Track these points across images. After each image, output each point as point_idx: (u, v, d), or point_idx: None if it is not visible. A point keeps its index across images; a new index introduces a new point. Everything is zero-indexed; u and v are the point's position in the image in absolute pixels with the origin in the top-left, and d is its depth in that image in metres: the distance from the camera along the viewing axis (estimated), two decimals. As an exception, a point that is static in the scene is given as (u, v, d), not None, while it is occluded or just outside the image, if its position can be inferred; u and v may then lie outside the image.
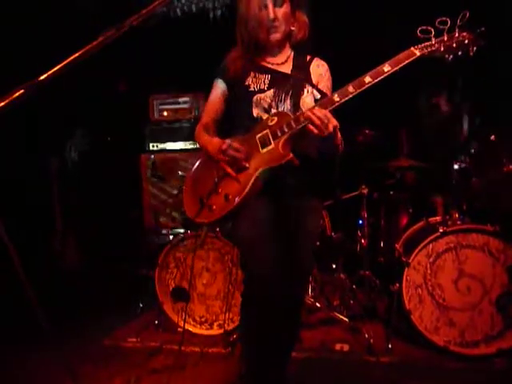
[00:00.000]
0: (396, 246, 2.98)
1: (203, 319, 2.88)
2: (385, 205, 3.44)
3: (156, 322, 2.97)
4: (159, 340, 2.80)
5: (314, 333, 2.83)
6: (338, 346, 2.65)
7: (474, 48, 1.43)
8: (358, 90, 1.54)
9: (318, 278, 3.30)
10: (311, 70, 1.80)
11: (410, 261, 2.54)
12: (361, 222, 3.37)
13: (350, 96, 1.55)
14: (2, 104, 0.94)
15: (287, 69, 1.80)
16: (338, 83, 1.73)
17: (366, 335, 2.65)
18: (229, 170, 1.65)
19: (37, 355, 2.55)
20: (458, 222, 2.62)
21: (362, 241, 3.34)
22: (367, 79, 1.53)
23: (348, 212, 3.41)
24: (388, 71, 1.49)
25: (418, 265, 2.54)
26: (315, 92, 1.77)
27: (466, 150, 2.81)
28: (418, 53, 1.46)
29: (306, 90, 1.75)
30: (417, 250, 2.54)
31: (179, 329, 2.73)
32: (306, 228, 1.80)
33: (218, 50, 1.92)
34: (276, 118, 1.66)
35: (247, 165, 1.64)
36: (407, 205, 3.43)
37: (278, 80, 1.76)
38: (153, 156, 3.90)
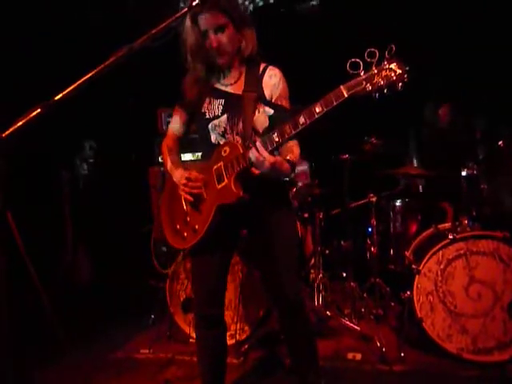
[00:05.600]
0: (406, 253, 2.98)
1: (214, 330, 2.89)
2: (393, 212, 3.44)
3: (168, 333, 2.98)
4: (171, 351, 2.81)
5: (325, 342, 2.82)
6: (350, 355, 2.65)
7: (400, 84, 1.42)
8: (295, 131, 1.56)
9: (329, 286, 3.30)
10: (264, 84, 1.82)
11: (421, 268, 2.54)
12: (370, 229, 3.38)
13: (288, 136, 1.58)
14: (21, 123, 0.98)
15: (240, 87, 1.82)
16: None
17: (378, 344, 2.64)
18: (191, 201, 1.80)
19: (51, 366, 2.59)
20: (468, 229, 2.62)
21: (372, 249, 3.34)
22: (301, 120, 1.54)
23: (357, 220, 3.41)
24: (320, 112, 1.50)
25: (429, 272, 2.54)
26: (267, 109, 1.81)
27: (475, 157, 2.82)
28: (346, 94, 1.46)
29: (257, 111, 1.79)
30: (427, 257, 2.54)
31: (191, 340, 2.74)
32: (281, 238, 1.85)
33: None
34: (228, 149, 1.73)
35: (205, 196, 1.77)
36: (416, 212, 3.43)
37: (231, 103, 1.81)
38: (162, 168, 3.95)
